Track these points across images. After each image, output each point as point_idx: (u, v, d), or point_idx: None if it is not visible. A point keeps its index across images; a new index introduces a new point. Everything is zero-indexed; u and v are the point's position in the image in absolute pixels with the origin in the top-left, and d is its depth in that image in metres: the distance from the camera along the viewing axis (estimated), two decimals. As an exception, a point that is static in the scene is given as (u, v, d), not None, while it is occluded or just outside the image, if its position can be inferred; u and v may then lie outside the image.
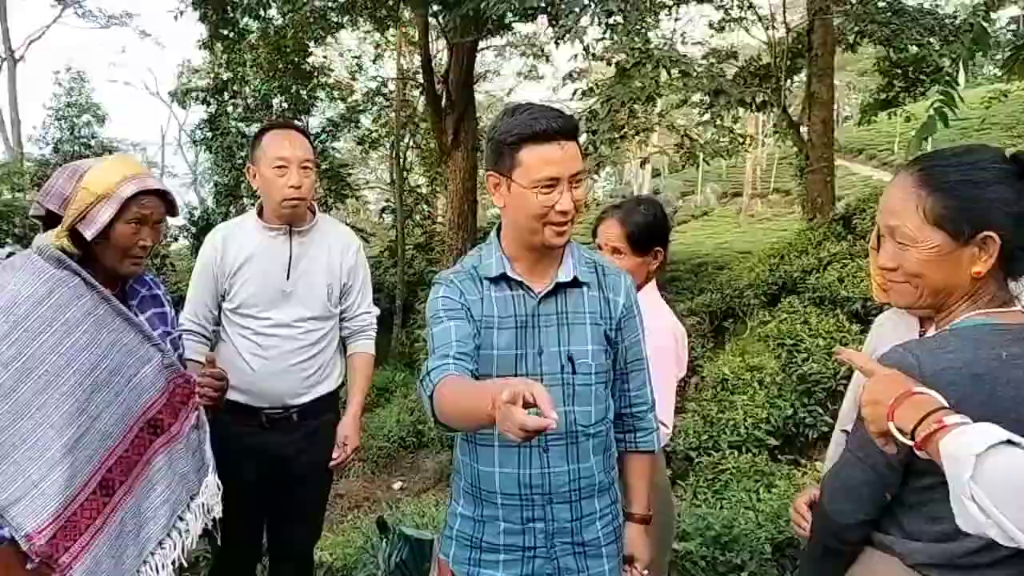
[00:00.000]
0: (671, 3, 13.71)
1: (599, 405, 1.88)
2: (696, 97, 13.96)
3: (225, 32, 14.43)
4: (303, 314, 2.77)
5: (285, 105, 18.76)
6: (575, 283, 1.87)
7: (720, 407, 6.46)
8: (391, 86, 20.72)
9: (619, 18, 11.27)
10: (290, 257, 2.75)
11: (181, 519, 2.15)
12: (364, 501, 9.16)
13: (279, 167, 2.67)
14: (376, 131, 21.49)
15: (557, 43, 10.91)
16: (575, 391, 1.84)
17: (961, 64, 9.76)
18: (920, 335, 1.77)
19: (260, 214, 2.82)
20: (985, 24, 10.28)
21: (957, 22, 13.00)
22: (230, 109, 18.76)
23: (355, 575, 3.39)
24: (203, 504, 2.21)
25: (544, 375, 1.81)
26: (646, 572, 2.00)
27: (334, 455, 2.89)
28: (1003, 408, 1.33)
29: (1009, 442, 1.07)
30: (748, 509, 4.24)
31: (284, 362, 2.74)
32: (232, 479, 2.70)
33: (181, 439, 2.15)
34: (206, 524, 2.26)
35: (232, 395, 2.74)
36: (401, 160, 20.50)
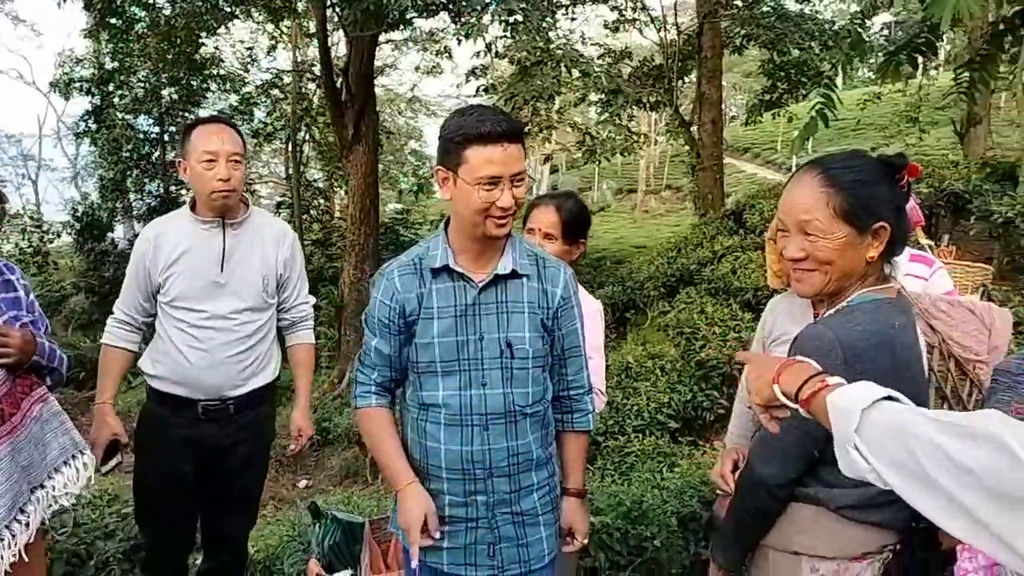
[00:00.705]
0: (568, 3, 13.98)
1: (536, 387, 2.02)
2: (593, 96, 14.33)
3: (112, 21, 13.83)
4: (238, 306, 2.79)
5: (175, 97, 18.13)
6: (514, 275, 2.00)
7: (625, 394, 6.73)
8: (286, 79, 20.27)
9: (520, 17, 11.43)
10: (223, 249, 2.77)
11: (23, 511, 2.09)
12: (270, 500, 9.03)
13: (208, 161, 2.70)
14: (271, 124, 20.99)
15: (459, 40, 10.98)
16: (513, 374, 1.97)
17: (842, 68, 10.41)
18: (815, 316, 1.98)
19: (193, 208, 2.84)
20: (861, 30, 10.98)
21: (836, 28, 13.77)
22: (116, 100, 17.97)
23: (281, 564, 3.42)
24: (47, 495, 2.16)
25: (484, 359, 1.96)
26: (585, 542, 2.15)
27: (290, 446, 2.98)
28: (901, 368, 1.60)
29: (889, 398, 1.20)
30: (654, 487, 4.46)
31: (221, 354, 2.76)
32: (168, 470, 2.71)
33: (23, 430, 2.10)
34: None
35: (169, 387, 2.76)
36: (298, 154, 20.12)
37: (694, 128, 14.78)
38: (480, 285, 1.97)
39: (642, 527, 3.86)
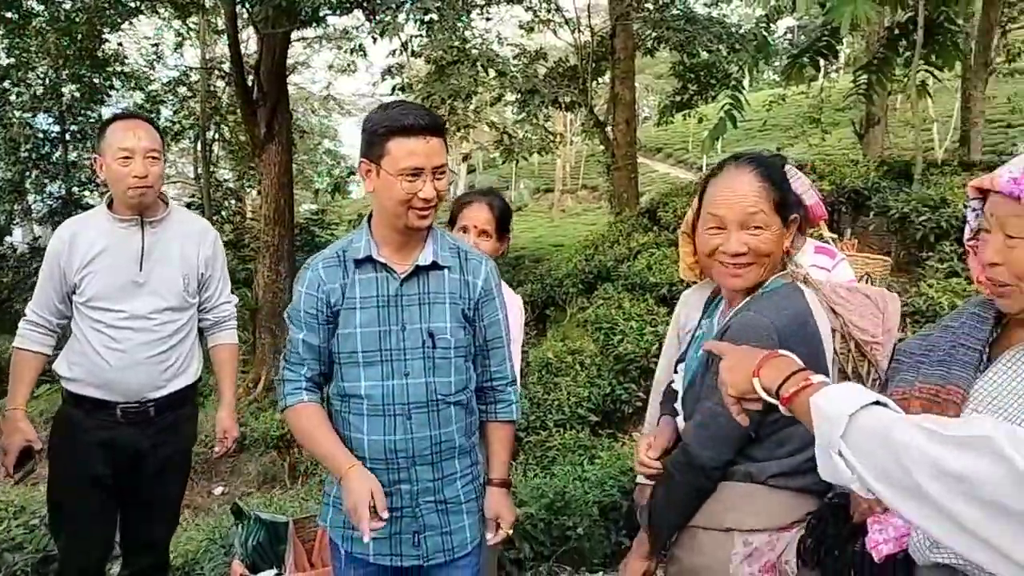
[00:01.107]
0: (483, 2, 14.03)
1: (459, 376, 2.05)
2: (510, 96, 14.42)
3: (7, 15, 13.17)
4: (158, 305, 2.73)
5: (76, 94, 17.38)
6: (435, 266, 2.03)
7: (545, 389, 6.81)
8: (195, 76, 19.69)
9: (435, 16, 11.42)
10: (142, 248, 2.71)
11: None
12: (184, 508, 8.79)
13: (124, 158, 2.64)
14: (178, 123, 20.33)
15: (374, 38, 10.89)
16: (435, 363, 2.01)
17: (748, 70, 10.78)
18: (729, 305, 2.06)
19: (110, 206, 2.76)
20: (766, 34, 11.43)
21: (742, 31, 14.23)
22: (13, 98, 17.08)
23: (202, 568, 3.35)
24: None
25: (407, 349, 1.99)
26: (510, 532, 2.18)
27: (216, 448, 2.93)
28: (817, 347, 1.74)
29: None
30: (576, 479, 4.54)
31: (140, 355, 2.68)
32: (84, 474, 2.62)
33: None
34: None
35: (86, 390, 2.67)
36: (207, 153, 19.56)
37: (609, 128, 15.02)
38: (402, 276, 2.00)
39: (565, 517, 3.93)
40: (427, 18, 11.02)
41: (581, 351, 7.29)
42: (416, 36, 12.36)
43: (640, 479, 2.56)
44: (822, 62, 10.92)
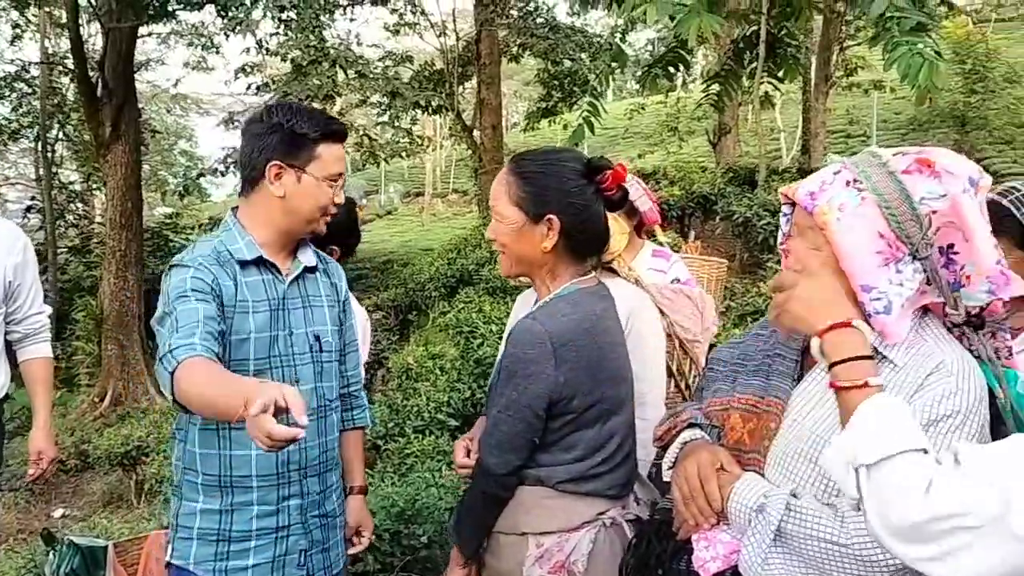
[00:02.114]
0: (345, 3, 13.81)
1: (338, 380, 2.07)
2: (374, 98, 14.25)
3: None
4: None
5: None
6: (313, 268, 2.02)
7: (405, 395, 6.74)
8: (35, 71, 18.39)
9: (292, 14, 11.14)
10: None
11: None
12: (19, 534, 8.15)
13: None
14: (16, 121, 18.94)
15: (227, 35, 10.50)
16: (323, 368, 1.98)
17: (604, 78, 11.08)
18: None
19: None
20: (623, 44, 11.78)
21: (602, 41, 14.64)
22: None
23: (13, 601, 3.09)
24: None
25: (295, 355, 1.93)
26: (373, 538, 2.14)
27: (29, 471, 2.74)
28: (606, 351, 1.77)
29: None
30: (430, 486, 4.50)
31: None
32: None
33: None
34: None
35: None
36: (49, 153, 18.31)
37: (476, 133, 15.11)
38: (288, 279, 1.96)
39: (415, 526, 3.88)
40: (284, 16, 10.73)
41: (442, 355, 7.25)
42: (273, 34, 12.02)
43: None
44: (676, 73, 11.36)
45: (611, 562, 1.74)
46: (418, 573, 3.81)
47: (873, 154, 1.43)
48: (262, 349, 1.87)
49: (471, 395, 6.70)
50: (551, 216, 1.74)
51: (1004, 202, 1.93)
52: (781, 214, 1.57)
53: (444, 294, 9.26)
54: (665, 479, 1.61)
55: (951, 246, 1.37)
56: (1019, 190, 1.95)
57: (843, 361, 1.24)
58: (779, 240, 1.59)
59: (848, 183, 1.39)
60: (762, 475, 1.44)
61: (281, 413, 1.40)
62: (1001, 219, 1.93)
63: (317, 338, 1.96)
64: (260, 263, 1.91)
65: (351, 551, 2.14)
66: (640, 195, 2.91)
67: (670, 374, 2.32)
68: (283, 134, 1.86)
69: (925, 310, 1.44)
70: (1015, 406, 1.38)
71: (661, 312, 2.33)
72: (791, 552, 1.33)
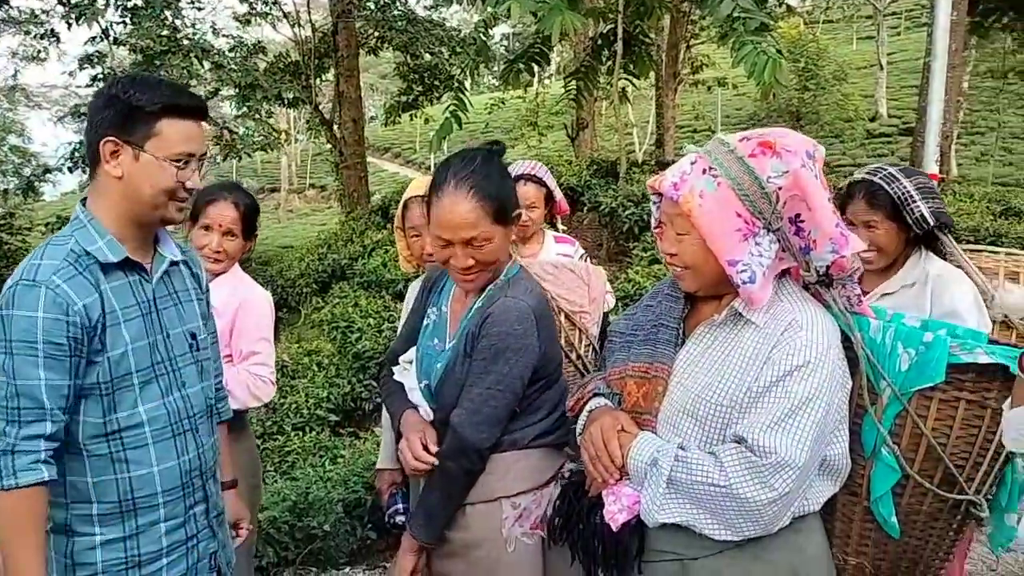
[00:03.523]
0: (194, -9, 13.26)
1: (216, 377, 1.97)
2: (228, 90, 13.76)
3: None
4: None
5: None
6: (177, 261, 1.84)
7: (282, 393, 6.60)
8: None
9: (139, 2, 10.59)
10: None
11: None
12: None
13: None
14: None
15: (69, 24, 9.86)
16: (203, 367, 1.84)
17: (469, 73, 11.20)
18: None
19: None
20: (484, 39, 11.92)
21: (463, 35, 14.74)
22: None
23: None
24: None
25: (176, 357, 1.78)
26: (252, 527, 2.13)
27: None
28: (552, 316, 1.93)
29: None
30: (319, 480, 4.47)
31: None
32: None
33: None
34: None
35: None
36: None
37: (335, 127, 14.86)
38: (155, 277, 1.76)
39: (309, 518, 3.86)
40: (131, 4, 10.19)
41: (318, 351, 7.16)
42: (119, 23, 11.38)
43: (380, 463, 2.56)
44: (536, 68, 11.63)
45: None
46: (314, 564, 3.81)
47: (722, 142, 1.59)
48: (143, 359, 1.70)
49: (351, 390, 6.67)
50: (518, 212, 1.90)
51: (876, 179, 2.30)
52: (651, 203, 1.74)
53: (316, 290, 9.12)
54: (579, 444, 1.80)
55: (798, 216, 1.54)
56: (886, 169, 2.31)
57: None
58: (652, 226, 1.77)
59: (704, 171, 1.55)
60: (655, 433, 1.61)
61: None
62: (875, 194, 2.28)
63: (193, 336, 1.82)
64: (125, 264, 1.70)
65: (238, 543, 2.10)
66: (555, 185, 3.04)
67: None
68: (119, 107, 1.64)
69: (783, 274, 1.61)
70: (867, 351, 1.60)
71: (543, 287, 2.46)
72: (682, 496, 1.50)
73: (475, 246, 1.81)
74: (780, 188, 1.52)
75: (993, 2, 14.95)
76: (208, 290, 1.98)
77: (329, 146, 15.83)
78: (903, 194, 2.26)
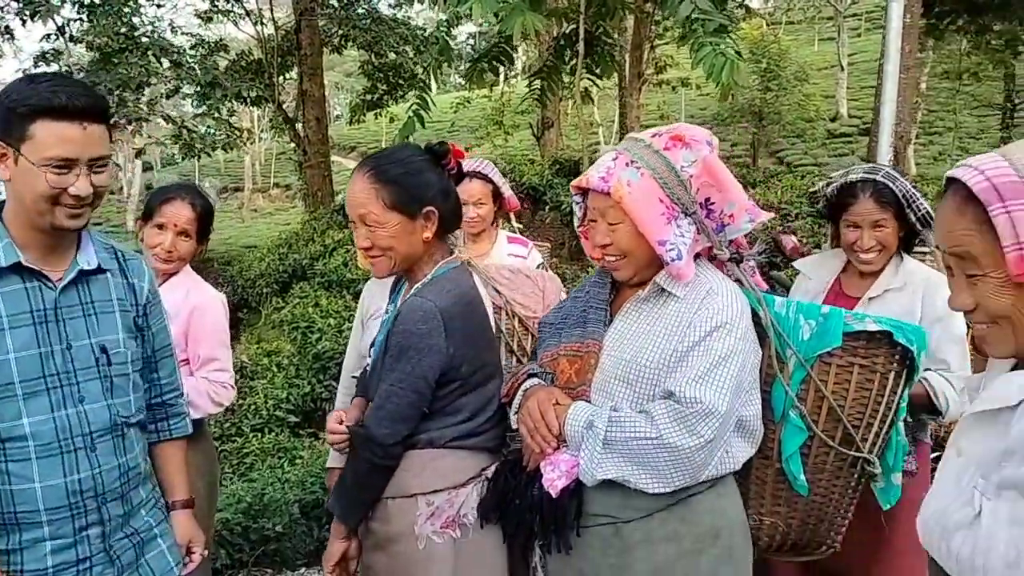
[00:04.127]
0: (154, -12, 13.08)
1: (137, 394, 1.82)
2: (188, 88, 13.60)
3: None
4: None
5: None
6: (99, 270, 1.77)
7: (241, 395, 6.56)
8: None
9: (97, -2, 10.44)
10: None
11: None
12: None
13: None
14: None
15: (23, 20, 9.67)
16: (113, 383, 1.75)
17: (432, 72, 11.18)
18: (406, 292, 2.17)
19: None
20: (447, 38, 11.91)
21: (427, 34, 14.70)
22: None
23: None
24: None
25: (77, 370, 1.70)
26: (205, 553, 2.06)
27: None
28: (481, 321, 1.92)
29: None
30: (276, 481, 4.46)
31: None
32: None
33: None
34: None
35: None
36: None
37: (299, 125, 14.76)
38: (61, 285, 1.68)
39: (264, 520, 3.85)
40: (87, 1, 10.03)
41: (278, 352, 7.11)
42: (75, 20, 11.20)
43: (330, 462, 2.61)
44: (501, 67, 11.64)
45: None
46: (269, 565, 3.79)
47: (636, 139, 1.77)
48: (31, 369, 1.62)
49: (311, 390, 6.64)
50: (430, 208, 1.85)
51: (879, 178, 2.36)
52: (574, 203, 1.89)
53: (276, 290, 9.04)
54: (513, 425, 1.88)
55: (708, 199, 1.76)
56: (883, 168, 2.42)
57: None
58: (577, 225, 1.91)
59: (627, 164, 1.72)
60: (589, 402, 1.75)
61: None
62: (882, 193, 2.34)
63: (104, 350, 1.72)
64: (19, 269, 1.63)
65: (187, 569, 1.97)
66: (503, 182, 3.03)
67: (510, 351, 2.45)
68: (2, 108, 1.58)
69: (697, 255, 1.79)
70: (774, 323, 1.79)
71: (497, 292, 2.47)
72: (617, 454, 1.64)
73: (369, 226, 1.84)
74: (692, 176, 1.72)
75: (948, 5, 15.27)
76: (151, 301, 1.89)
77: (293, 145, 15.71)
78: (908, 192, 2.33)
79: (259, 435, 5.93)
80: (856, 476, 1.89)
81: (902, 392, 1.89)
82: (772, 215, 1.81)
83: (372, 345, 2.08)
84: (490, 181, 2.90)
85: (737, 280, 1.81)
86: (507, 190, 3.00)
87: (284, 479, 4.59)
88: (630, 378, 1.71)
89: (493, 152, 19.17)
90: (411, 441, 1.86)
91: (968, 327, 2.34)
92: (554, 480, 1.69)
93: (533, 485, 1.76)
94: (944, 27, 16.28)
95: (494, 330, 2.15)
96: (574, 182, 1.84)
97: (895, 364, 1.84)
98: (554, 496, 1.69)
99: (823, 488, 1.87)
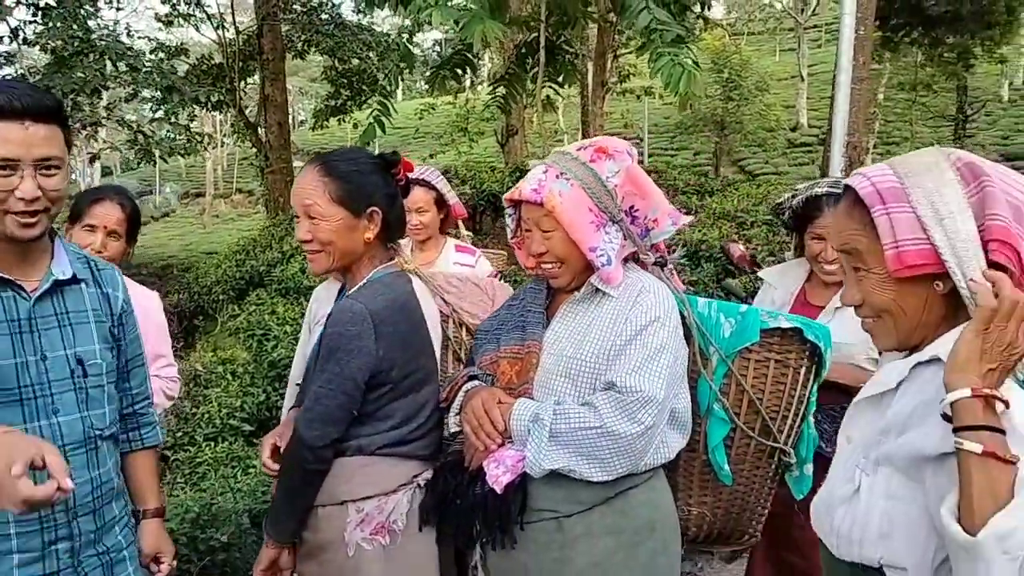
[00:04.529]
0: (112, -10, 12.90)
1: (111, 405, 1.81)
2: (147, 92, 13.43)
3: None
4: None
5: None
6: (73, 280, 1.74)
7: (194, 403, 6.47)
8: None
9: (52, 1, 10.27)
10: None
11: None
12: None
13: None
14: None
15: (-26, 20, 9.50)
16: (88, 395, 1.73)
17: (393, 78, 11.17)
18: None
19: None
20: (410, 45, 11.92)
21: (391, 40, 14.68)
22: None
23: None
24: None
25: (52, 382, 1.68)
26: (175, 564, 2.03)
27: None
28: (416, 327, 1.94)
29: None
30: (227, 491, 4.40)
31: None
32: None
33: None
34: None
35: None
36: None
37: (261, 130, 14.65)
38: (35, 295, 1.67)
39: (212, 530, 3.80)
40: (42, 3, 9.86)
41: (233, 360, 7.03)
42: (30, 23, 11.00)
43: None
44: (464, 74, 11.66)
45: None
46: (220, 575, 3.75)
47: (564, 153, 1.87)
48: (6, 379, 1.61)
49: (266, 399, 6.56)
50: (374, 209, 1.89)
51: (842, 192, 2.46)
52: (507, 215, 1.98)
53: (233, 297, 8.94)
54: (453, 428, 1.92)
55: (633, 207, 1.87)
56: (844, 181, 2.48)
57: (981, 428, 1.08)
58: (510, 237, 2.00)
59: (558, 176, 1.81)
60: (531, 398, 1.81)
61: (37, 471, 1.26)
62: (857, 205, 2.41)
63: (80, 361, 1.71)
64: None
65: None
66: (449, 190, 3.04)
67: (458, 359, 2.47)
68: None
69: (625, 259, 1.89)
70: (697, 322, 1.91)
71: (444, 301, 2.48)
72: (563, 444, 1.71)
73: (312, 219, 1.86)
74: (617, 185, 1.83)
75: (903, 18, 15.61)
76: (125, 310, 1.88)
77: (255, 150, 15.57)
78: None
79: (212, 444, 5.84)
80: (773, 466, 2.01)
81: (812, 386, 2.02)
82: (692, 219, 1.92)
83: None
84: (433, 188, 2.91)
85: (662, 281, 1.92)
86: (452, 198, 3.01)
87: (236, 489, 4.53)
88: (572, 373, 1.79)
89: (458, 159, 19.18)
90: (341, 448, 1.86)
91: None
92: (498, 476, 1.74)
93: (476, 484, 1.81)
94: (899, 40, 16.64)
95: (441, 338, 2.17)
96: (507, 195, 1.93)
97: (806, 359, 1.96)
98: (499, 492, 1.74)
99: (745, 478, 1.99)
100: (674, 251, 2.04)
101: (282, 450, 1.95)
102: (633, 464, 1.73)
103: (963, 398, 1.08)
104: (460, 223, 3.38)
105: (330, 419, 1.82)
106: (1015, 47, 24.40)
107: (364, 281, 1.91)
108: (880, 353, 1.81)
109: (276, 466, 1.97)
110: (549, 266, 1.85)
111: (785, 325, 1.92)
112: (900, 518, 1.18)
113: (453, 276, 2.60)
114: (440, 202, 2.96)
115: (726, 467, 1.93)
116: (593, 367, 1.77)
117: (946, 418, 1.11)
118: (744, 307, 1.94)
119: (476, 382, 1.91)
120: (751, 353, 1.91)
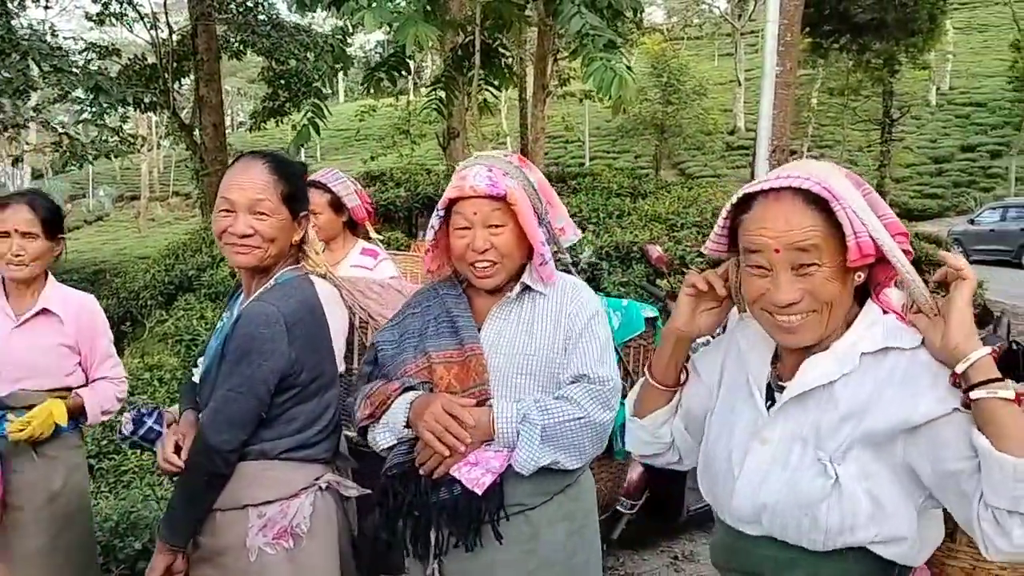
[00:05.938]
0: (39, -11, 12.55)
1: None
2: (76, 93, 13.11)
3: None
4: None
5: None
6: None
7: (119, 410, 6.34)
8: None
9: (-28, -2, 9.95)
10: None
11: None
12: None
13: None
14: None
15: None
16: None
17: (328, 80, 11.09)
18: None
19: None
20: (346, 46, 11.84)
21: (325, 41, 14.56)
22: None
23: None
24: None
25: None
26: None
27: None
28: (321, 327, 1.94)
29: None
30: (148, 499, 4.33)
31: None
32: None
33: None
34: None
35: None
36: None
37: (196, 132, 14.40)
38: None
39: (131, 538, 3.74)
40: (-39, 0, 9.56)
41: (160, 366, 6.91)
42: (-52, 20, 10.64)
43: None
44: (401, 77, 11.62)
45: (330, 521, 1.93)
46: (134, 586, 3.69)
47: (494, 156, 1.92)
48: None
49: (194, 405, 6.48)
50: (306, 214, 1.94)
51: None
52: (436, 216, 1.90)
53: (161, 302, 8.77)
54: (387, 443, 1.85)
55: (546, 213, 1.95)
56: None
57: (993, 381, 1.21)
58: (429, 239, 1.92)
59: (504, 174, 1.85)
60: (492, 400, 1.80)
61: None
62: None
63: None
64: None
65: None
66: (349, 192, 3.03)
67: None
68: None
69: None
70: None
71: (362, 307, 2.49)
72: (551, 441, 1.76)
73: (258, 214, 1.83)
74: (536, 190, 1.91)
75: (831, 25, 16.07)
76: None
77: (190, 152, 15.31)
78: None
79: (138, 452, 5.74)
80: None
81: None
82: (583, 232, 2.02)
83: (201, 354, 2.07)
84: (328, 191, 2.92)
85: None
86: (351, 201, 2.99)
87: (160, 496, 4.46)
88: (531, 370, 1.83)
89: (400, 161, 19.08)
90: (244, 452, 1.84)
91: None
92: (479, 478, 1.74)
93: (439, 490, 1.78)
94: (828, 46, 17.12)
95: (357, 344, 2.18)
96: (451, 194, 1.85)
97: None
98: (479, 493, 1.74)
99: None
100: (582, 252, 2.21)
101: (183, 453, 1.94)
102: (600, 447, 1.84)
103: (983, 356, 1.21)
104: (367, 226, 3.36)
105: (239, 423, 1.80)
106: (940, 53, 25.28)
107: (271, 284, 1.90)
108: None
109: (180, 461, 1.91)
110: (485, 265, 1.82)
111: (650, 315, 2.13)
112: (882, 493, 1.27)
113: (373, 282, 2.60)
114: (337, 204, 2.95)
115: (620, 444, 2.08)
116: (550, 361, 1.82)
117: (955, 384, 1.23)
118: (626, 301, 2.11)
119: (414, 392, 1.85)
120: (631, 342, 2.09)
